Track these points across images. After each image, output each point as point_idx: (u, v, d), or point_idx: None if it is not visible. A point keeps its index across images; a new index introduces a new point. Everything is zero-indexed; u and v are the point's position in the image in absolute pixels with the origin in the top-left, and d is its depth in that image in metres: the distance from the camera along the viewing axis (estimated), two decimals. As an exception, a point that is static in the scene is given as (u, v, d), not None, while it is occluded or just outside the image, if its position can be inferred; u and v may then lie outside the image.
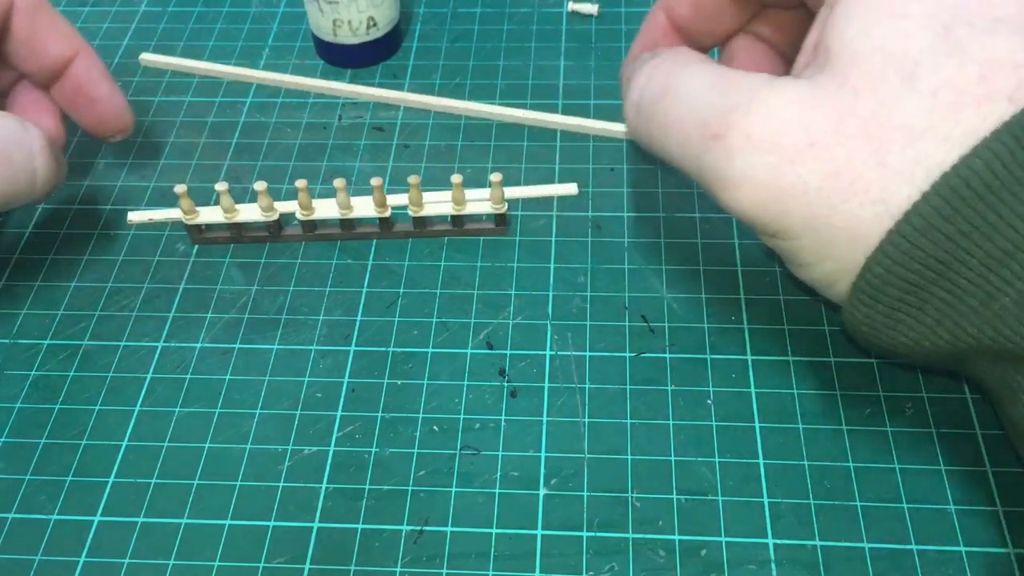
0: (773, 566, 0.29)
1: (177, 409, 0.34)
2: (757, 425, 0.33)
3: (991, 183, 0.24)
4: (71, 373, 0.35)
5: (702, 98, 0.27)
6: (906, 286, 0.25)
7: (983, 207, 0.24)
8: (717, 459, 0.32)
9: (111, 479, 0.32)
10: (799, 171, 0.25)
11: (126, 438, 0.33)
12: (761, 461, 0.32)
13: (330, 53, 0.47)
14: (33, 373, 0.35)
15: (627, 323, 0.36)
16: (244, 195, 0.41)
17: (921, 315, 0.26)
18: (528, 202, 0.40)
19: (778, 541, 0.30)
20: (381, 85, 0.46)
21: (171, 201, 0.41)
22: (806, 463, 0.32)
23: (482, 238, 0.39)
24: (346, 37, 0.46)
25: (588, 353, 0.35)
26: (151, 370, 0.35)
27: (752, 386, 0.34)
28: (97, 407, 0.34)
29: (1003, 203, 0.24)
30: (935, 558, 0.29)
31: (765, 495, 0.31)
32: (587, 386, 0.34)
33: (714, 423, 0.33)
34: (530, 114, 0.44)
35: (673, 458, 0.32)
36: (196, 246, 0.39)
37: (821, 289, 0.29)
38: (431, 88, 0.46)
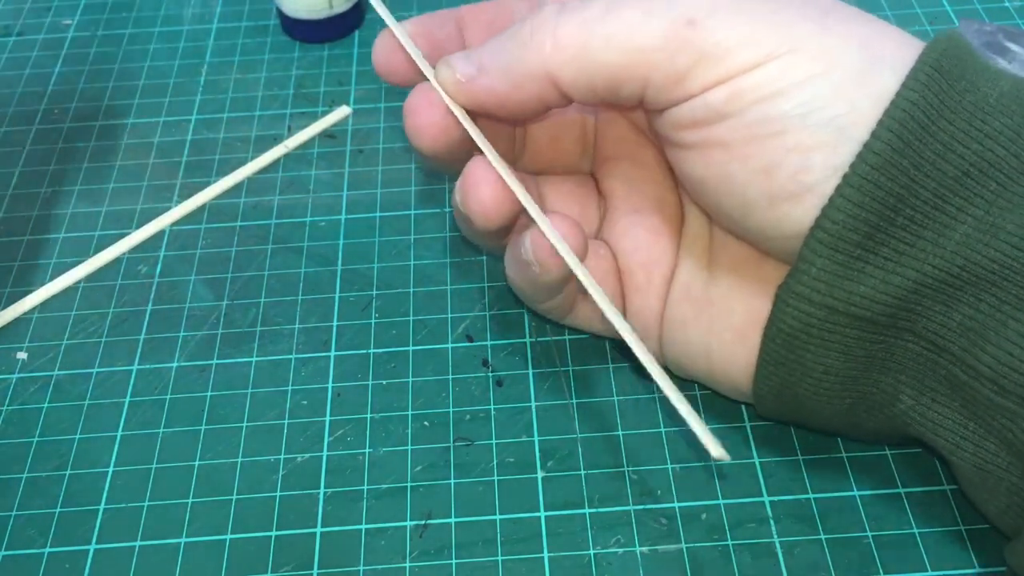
0: (772, 523, 0.30)
1: (161, 430, 0.33)
2: (739, 390, 0.34)
3: (928, 111, 0.25)
4: (45, 405, 0.34)
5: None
6: (867, 229, 0.25)
7: (928, 136, 0.25)
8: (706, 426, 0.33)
9: (102, 506, 0.32)
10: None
11: (112, 464, 0.33)
12: (748, 424, 0.33)
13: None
14: (5, 408, 0.34)
15: (602, 304, 0.36)
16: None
17: (879, 259, 0.26)
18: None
19: (773, 498, 0.31)
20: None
21: (125, 224, 0.40)
22: (790, 422, 0.33)
23: (447, 234, 0.39)
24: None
25: (568, 337, 0.35)
26: (128, 394, 0.35)
27: (729, 354, 0.35)
28: (77, 436, 0.33)
29: (942, 130, 0.25)
30: (922, 499, 0.31)
31: (755, 455, 0.32)
32: (570, 368, 0.35)
33: (698, 392, 0.33)
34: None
35: (663, 430, 0.33)
36: (160, 266, 0.38)
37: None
38: (378, 94, 0.46)
